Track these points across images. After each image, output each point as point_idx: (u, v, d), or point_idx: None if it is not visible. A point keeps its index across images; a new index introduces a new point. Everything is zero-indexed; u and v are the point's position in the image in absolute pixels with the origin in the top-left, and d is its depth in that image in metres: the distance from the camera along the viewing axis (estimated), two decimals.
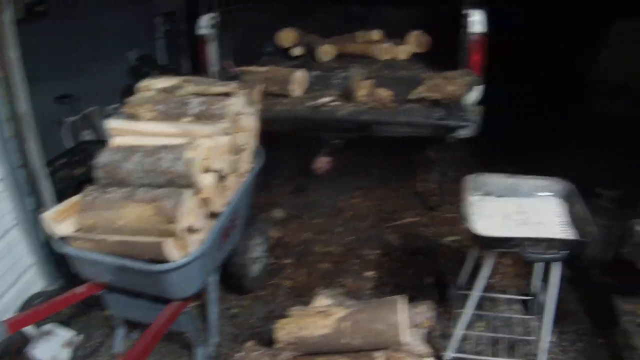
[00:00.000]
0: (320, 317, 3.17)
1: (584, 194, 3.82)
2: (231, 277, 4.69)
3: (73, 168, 5.21)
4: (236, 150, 3.94)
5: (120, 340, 4.38)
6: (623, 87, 7.49)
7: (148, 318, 3.83)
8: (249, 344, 3.32)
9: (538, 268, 4.41)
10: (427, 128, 5.51)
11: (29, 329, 4.11)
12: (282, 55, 7.72)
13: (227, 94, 3.98)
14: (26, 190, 4.31)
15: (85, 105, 6.42)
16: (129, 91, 4.22)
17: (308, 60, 7.45)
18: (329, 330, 3.11)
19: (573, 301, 4.76)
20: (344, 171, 7.04)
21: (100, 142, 5.59)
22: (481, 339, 4.32)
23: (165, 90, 4.05)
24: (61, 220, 3.51)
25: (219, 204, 3.72)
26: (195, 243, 3.52)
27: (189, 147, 3.39)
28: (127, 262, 3.41)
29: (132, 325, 4.44)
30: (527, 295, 4.67)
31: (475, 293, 3.75)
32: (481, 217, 3.82)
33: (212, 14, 6.17)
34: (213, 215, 3.76)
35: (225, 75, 6.24)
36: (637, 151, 5.64)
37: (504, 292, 4.82)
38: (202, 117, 3.74)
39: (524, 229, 3.71)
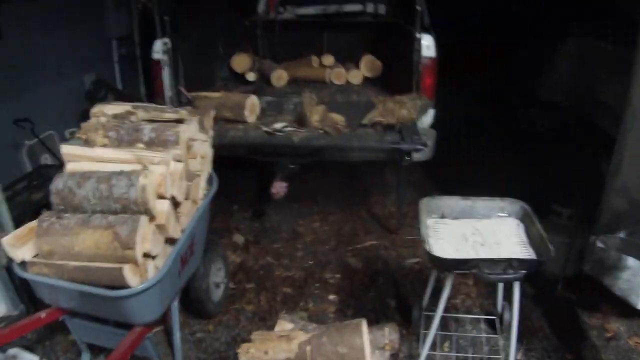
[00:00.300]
0: (283, 342, 3.15)
1: (541, 212, 3.86)
2: (193, 302, 4.67)
3: (32, 192, 5.16)
4: (190, 176, 3.91)
5: None
6: (554, 104, 7.58)
7: (112, 343, 3.81)
8: None
9: (500, 287, 4.44)
10: (382, 152, 5.55)
11: None
12: (237, 80, 7.76)
13: (178, 121, 3.95)
14: None
15: (42, 129, 6.32)
16: (86, 115, 4.19)
17: (262, 85, 7.48)
18: (292, 354, 3.09)
19: (538, 318, 4.78)
20: (302, 196, 7.05)
21: (59, 166, 5.56)
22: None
23: (117, 117, 4.01)
24: (20, 245, 3.46)
25: (175, 230, 3.69)
26: (153, 269, 3.49)
27: (142, 173, 3.35)
28: (86, 288, 3.37)
29: (98, 350, 4.39)
30: (491, 314, 4.70)
31: (438, 314, 3.75)
32: (438, 239, 3.86)
33: (164, 39, 6.14)
34: (170, 241, 3.73)
35: (180, 100, 6.24)
36: (584, 167, 5.69)
37: (468, 312, 4.84)
38: (154, 143, 3.70)
39: (482, 250, 3.74)
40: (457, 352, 4.36)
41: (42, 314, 3.77)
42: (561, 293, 5.00)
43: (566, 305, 4.89)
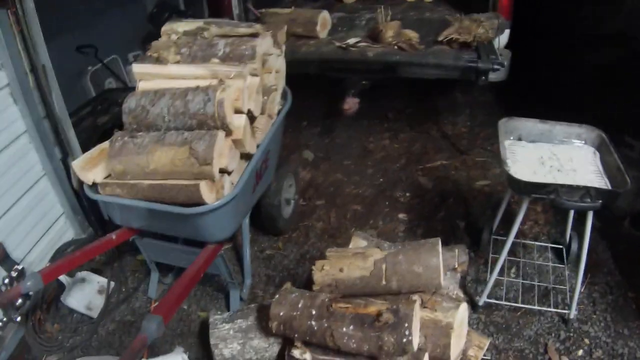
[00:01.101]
0: (358, 259, 3.14)
1: (614, 142, 3.76)
2: (264, 219, 4.72)
3: (97, 117, 5.16)
4: (265, 91, 3.90)
5: (154, 285, 4.44)
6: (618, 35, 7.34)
7: (181, 261, 3.87)
8: (286, 285, 3.31)
9: (570, 216, 4.38)
10: (457, 70, 5.39)
11: (63, 278, 4.13)
12: None
13: (253, 35, 3.90)
14: (52, 140, 4.28)
15: (105, 54, 6.36)
16: (149, 38, 4.17)
17: (331, 1, 7.36)
18: (367, 272, 3.08)
19: (603, 252, 4.71)
20: (372, 113, 7.01)
21: (123, 89, 5.58)
22: (513, 286, 4.32)
23: (188, 33, 3.98)
24: (90, 168, 3.51)
25: (251, 145, 3.70)
26: (229, 185, 3.52)
27: (219, 88, 3.33)
28: (163, 207, 3.40)
29: (166, 270, 4.48)
30: (558, 243, 4.66)
31: (510, 238, 3.73)
32: (515, 161, 3.80)
33: None
34: (245, 156, 3.75)
35: (248, 18, 6.20)
36: None
37: (535, 240, 4.79)
38: (229, 58, 3.68)
39: (559, 175, 3.68)
40: (523, 279, 4.35)
41: (113, 236, 3.83)
42: (628, 229, 4.91)
43: (632, 242, 4.79)
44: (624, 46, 7.22)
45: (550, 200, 3.34)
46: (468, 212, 5.22)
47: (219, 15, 6.32)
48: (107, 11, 6.62)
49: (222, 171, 3.42)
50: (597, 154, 3.88)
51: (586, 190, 3.32)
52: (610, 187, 3.54)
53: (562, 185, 3.34)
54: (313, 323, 2.99)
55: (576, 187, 3.36)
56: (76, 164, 3.48)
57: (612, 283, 4.37)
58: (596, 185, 3.54)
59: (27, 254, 4.11)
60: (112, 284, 4.37)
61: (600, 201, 3.32)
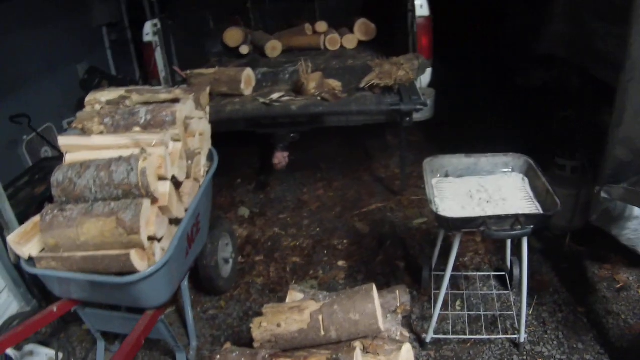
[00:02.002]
0: (294, 313, 3.14)
1: (544, 166, 3.83)
2: (203, 280, 4.69)
3: (34, 187, 5.09)
4: (189, 155, 3.89)
5: (101, 354, 4.36)
6: (549, 57, 7.53)
7: (125, 329, 3.83)
8: (226, 345, 3.29)
9: (508, 244, 4.45)
10: (382, 114, 5.53)
11: (11, 352, 4.06)
12: (230, 55, 7.76)
13: (173, 100, 3.93)
14: None
15: (39, 122, 6.30)
16: (82, 104, 4.17)
17: (256, 58, 7.48)
18: (305, 325, 3.08)
19: (548, 272, 4.79)
20: (304, 164, 7.07)
21: (59, 158, 5.55)
22: (460, 318, 4.34)
23: (111, 102, 3.99)
24: (25, 242, 3.45)
25: (178, 210, 3.69)
26: (160, 251, 3.49)
27: (141, 157, 3.33)
28: (95, 278, 3.37)
29: (113, 338, 4.43)
30: (501, 270, 4.72)
31: (448, 273, 3.76)
32: (444, 198, 3.85)
33: (154, 21, 6.12)
34: (175, 221, 3.73)
35: (175, 80, 6.23)
36: (575, 120, 5.66)
37: (478, 270, 4.85)
38: (151, 125, 3.69)
39: (488, 206, 3.72)
40: (469, 310, 4.38)
41: (54, 308, 3.75)
42: (570, 246, 5.00)
43: (575, 258, 4.90)
44: (552, 69, 7.40)
45: (480, 232, 3.38)
46: (407, 251, 5.24)
47: (148, 78, 6.38)
48: (38, 78, 6.61)
49: (152, 238, 3.40)
50: (526, 179, 3.96)
51: (515, 218, 3.37)
52: (541, 211, 3.60)
53: (490, 217, 3.39)
54: None
55: (504, 216, 3.41)
56: (11, 239, 3.43)
57: (560, 301, 4.44)
58: (527, 211, 3.60)
59: None
60: (60, 355, 4.28)
61: (532, 226, 3.36)
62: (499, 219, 3.40)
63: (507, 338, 4.10)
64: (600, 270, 4.73)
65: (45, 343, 4.36)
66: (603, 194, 3.93)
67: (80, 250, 3.36)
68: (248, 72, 5.95)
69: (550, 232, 5.16)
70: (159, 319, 3.79)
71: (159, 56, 6.24)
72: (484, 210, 3.67)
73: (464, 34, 9.42)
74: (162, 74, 6.28)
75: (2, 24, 6.07)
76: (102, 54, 8.48)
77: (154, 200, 3.40)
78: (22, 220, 4.19)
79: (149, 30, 6.12)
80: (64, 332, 4.65)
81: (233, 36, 7.77)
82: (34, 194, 4.99)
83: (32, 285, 4.57)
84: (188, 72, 6.16)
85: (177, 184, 3.69)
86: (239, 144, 6.79)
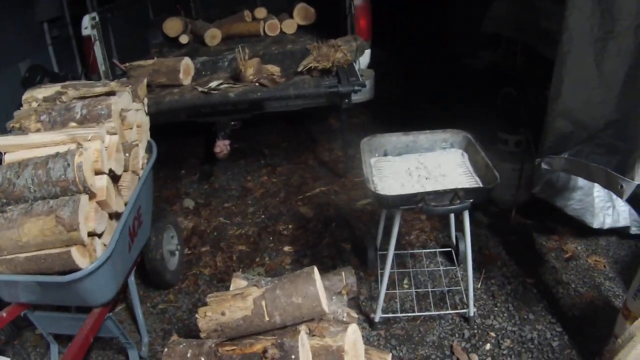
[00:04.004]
0: (238, 300, 3.13)
1: (487, 141, 3.86)
2: (150, 274, 4.66)
3: None
4: (127, 148, 3.86)
5: (55, 357, 4.31)
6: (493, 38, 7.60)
7: (76, 329, 3.78)
8: (173, 337, 3.27)
9: (452, 219, 4.49)
10: (321, 97, 5.55)
11: None
12: (171, 45, 7.71)
13: (109, 93, 3.90)
14: None
15: None
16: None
17: (196, 47, 7.44)
18: (249, 311, 3.07)
19: (495, 246, 4.86)
20: (247, 151, 7.10)
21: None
22: (408, 296, 4.38)
23: (47, 99, 3.95)
24: None
25: (118, 204, 3.65)
26: (101, 247, 3.47)
27: (77, 152, 3.29)
28: (39, 278, 3.34)
29: (67, 340, 4.37)
30: (447, 246, 4.76)
31: (390, 251, 3.79)
32: (383, 177, 3.87)
33: (92, 14, 6.03)
34: (115, 216, 3.70)
35: (115, 73, 6.18)
36: (519, 95, 5.71)
37: (424, 247, 4.89)
38: (86, 120, 3.65)
39: (428, 183, 3.75)
40: (416, 288, 4.41)
41: (4, 313, 3.70)
42: (516, 220, 5.07)
43: (523, 231, 4.98)
44: (498, 47, 7.47)
45: (419, 208, 3.40)
46: (353, 233, 5.27)
47: (88, 74, 6.32)
48: None
49: (92, 234, 3.37)
50: (465, 155, 4.00)
51: (454, 193, 3.38)
52: (480, 185, 3.63)
53: (429, 193, 3.40)
54: None
55: (442, 191, 3.42)
56: None
57: (509, 274, 4.51)
58: (466, 185, 3.63)
59: None
60: None
61: (471, 200, 3.39)
62: (438, 194, 3.40)
63: (456, 313, 4.15)
64: (548, 241, 4.83)
65: (0, 351, 4.33)
66: (544, 165, 3.99)
67: (23, 251, 3.32)
68: (186, 61, 5.92)
69: (497, 207, 5.22)
70: (107, 316, 3.76)
71: (98, 50, 6.15)
72: (423, 187, 3.70)
73: (411, 15, 9.48)
74: (102, 68, 6.19)
75: None
76: (44, 51, 8.32)
77: (92, 196, 3.36)
78: None
79: (87, 24, 6.02)
80: (18, 338, 4.60)
81: (173, 26, 7.70)
82: None
83: None
84: (127, 64, 6.11)
85: (115, 177, 3.67)
86: (182, 135, 6.73)
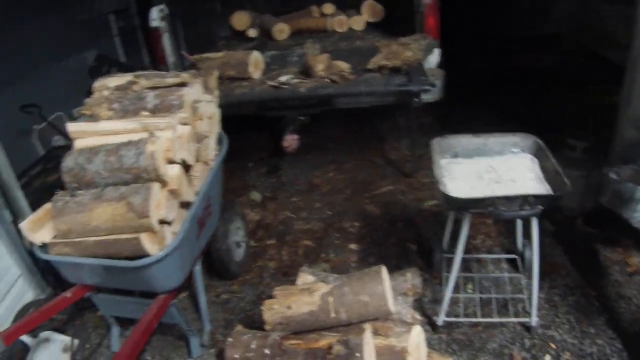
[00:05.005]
0: (305, 295, 3.13)
1: (555, 147, 3.80)
2: (216, 264, 4.70)
3: (47, 176, 5.14)
4: (198, 138, 3.90)
5: (116, 339, 4.40)
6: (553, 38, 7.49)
7: (138, 314, 3.83)
8: (238, 328, 3.29)
9: (519, 225, 4.43)
10: (390, 95, 5.48)
11: (27, 339, 4.08)
12: (238, 39, 7.74)
13: (180, 84, 3.95)
14: (1, 203, 4.27)
15: (50, 111, 6.29)
16: (91, 92, 4.16)
17: (264, 41, 7.46)
18: (315, 307, 3.07)
19: (560, 255, 4.76)
20: (315, 147, 7.09)
21: (71, 146, 5.55)
22: (471, 301, 4.33)
23: (119, 88, 3.99)
24: (38, 229, 3.48)
25: (188, 194, 3.70)
26: (170, 235, 3.51)
27: (149, 140, 3.34)
28: (107, 262, 3.40)
29: (128, 323, 4.44)
30: (512, 253, 4.69)
31: (458, 255, 3.76)
32: (453, 179, 3.83)
33: (160, 6, 6.13)
34: (185, 205, 3.74)
35: (183, 65, 6.23)
36: (595, 100, 5.62)
37: (489, 252, 4.83)
38: (159, 109, 3.70)
39: (497, 187, 3.71)
40: (480, 293, 4.36)
41: (68, 294, 3.79)
42: (581, 228, 4.97)
43: (587, 240, 4.86)
44: (558, 48, 7.36)
45: (489, 212, 3.36)
46: (419, 234, 5.24)
47: (157, 64, 6.39)
48: (48, 67, 6.59)
49: (162, 222, 3.41)
50: (535, 160, 3.93)
51: (524, 199, 3.34)
52: (550, 192, 3.57)
53: (499, 197, 3.36)
54: None
55: (513, 196, 3.37)
56: (24, 226, 3.45)
57: (572, 284, 4.42)
58: (536, 191, 3.57)
59: None
60: (76, 341, 4.32)
61: (541, 207, 3.33)
62: (508, 199, 3.36)
63: (518, 321, 4.09)
64: (612, 253, 4.70)
65: (60, 330, 4.38)
66: (612, 175, 3.90)
67: (92, 235, 3.40)
68: (256, 55, 5.94)
69: (562, 214, 5.12)
70: (171, 303, 3.81)
71: (166, 42, 6.24)
72: (493, 190, 3.66)
73: (473, 16, 9.39)
74: (170, 60, 6.29)
75: (11, 13, 6.07)
76: (110, 41, 8.47)
77: (164, 184, 3.42)
78: (35, 208, 4.21)
79: (156, 16, 6.11)
80: (79, 318, 4.67)
81: (240, 20, 7.76)
82: (46, 182, 5.03)
83: (47, 273, 4.62)
84: (196, 56, 6.15)
85: (186, 167, 3.71)
86: (251, 128, 6.77)
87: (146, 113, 3.66)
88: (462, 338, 4.06)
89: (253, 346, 3.07)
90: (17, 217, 4.33)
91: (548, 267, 4.55)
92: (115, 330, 4.38)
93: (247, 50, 6.24)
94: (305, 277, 3.60)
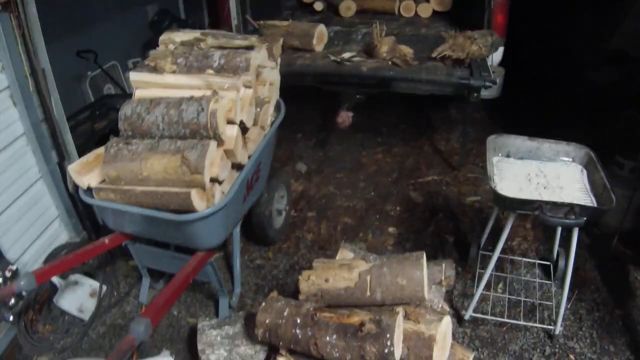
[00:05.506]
0: (344, 270, 3.18)
1: (604, 162, 3.79)
2: (255, 229, 4.75)
3: (94, 122, 5.16)
4: (258, 103, 3.93)
5: (145, 290, 4.48)
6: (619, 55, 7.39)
7: (172, 268, 3.90)
8: (272, 294, 3.34)
9: (557, 233, 4.42)
10: (450, 87, 5.47)
11: (56, 280, 4.16)
12: (303, 10, 7.78)
13: (248, 47, 3.97)
14: (49, 144, 4.29)
15: (105, 59, 6.38)
16: (149, 45, 4.19)
17: (329, 15, 7.47)
18: (352, 283, 3.12)
19: (592, 269, 4.74)
20: (366, 127, 7.07)
21: (121, 95, 5.59)
22: (500, 301, 4.35)
23: (185, 44, 4.04)
24: (86, 173, 3.52)
25: (242, 156, 3.73)
26: (219, 194, 3.55)
27: (212, 99, 3.37)
28: (155, 213, 3.43)
29: (157, 276, 4.53)
30: (546, 259, 4.69)
31: (496, 254, 3.77)
32: (502, 178, 3.85)
33: None
34: (237, 166, 3.78)
35: (247, 29, 6.26)
36: None
37: (523, 256, 4.82)
38: (224, 70, 3.71)
39: (545, 192, 3.71)
40: (510, 294, 4.38)
41: (106, 240, 3.86)
42: (616, 247, 4.91)
43: (620, 260, 4.82)
44: (623, 65, 7.28)
45: (534, 216, 3.38)
46: (457, 227, 5.25)
47: (218, 25, 6.43)
48: (108, 17, 6.64)
49: (213, 180, 3.45)
50: (585, 171, 3.92)
51: (570, 207, 3.35)
52: (595, 205, 3.57)
53: (547, 202, 3.38)
54: (298, 331, 3.03)
55: (560, 203, 3.39)
56: (72, 168, 3.51)
57: (599, 300, 4.40)
58: (582, 202, 3.56)
59: (21, 255, 4.12)
60: (104, 287, 4.38)
61: (585, 218, 3.34)
62: (555, 205, 3.38)
63: (542, 328, 4.10)
64: None
65: (90, 274, 4.48)
66: None
67: (141, 184, 3.43)
68: (321, 28, 5.98)
69: (599, 230, 5.10)
70: (209, 261, 3.87)
71: (232, 3, 6.28)
72: (540, 195, 3.67)
73: (540, 20, 9.29)
74: (234, 22, 6.32)
75: None
76: None
77: (220, 143, 3.44)
78: (80, 153, 4.27)
79: None
80: (110, 265, 4.75)
81: None
82: (93, 128, 5.08)
83: (84, 217, 4.67)
84: (261, 22, 6.18)
85: (243, 129, 3.73)
86: (304, 100, 6.79)
87: (211, 72, 3.68)
88: (485, 335, 4.09)
89: (285, 314, 3.12)
90: (63, 159, 4.35)
91: (579, 279, 4.56)
92: (146, 281, 4.47)
93: (313, 22, 6.27)
94: (345, 253, 3.66)
